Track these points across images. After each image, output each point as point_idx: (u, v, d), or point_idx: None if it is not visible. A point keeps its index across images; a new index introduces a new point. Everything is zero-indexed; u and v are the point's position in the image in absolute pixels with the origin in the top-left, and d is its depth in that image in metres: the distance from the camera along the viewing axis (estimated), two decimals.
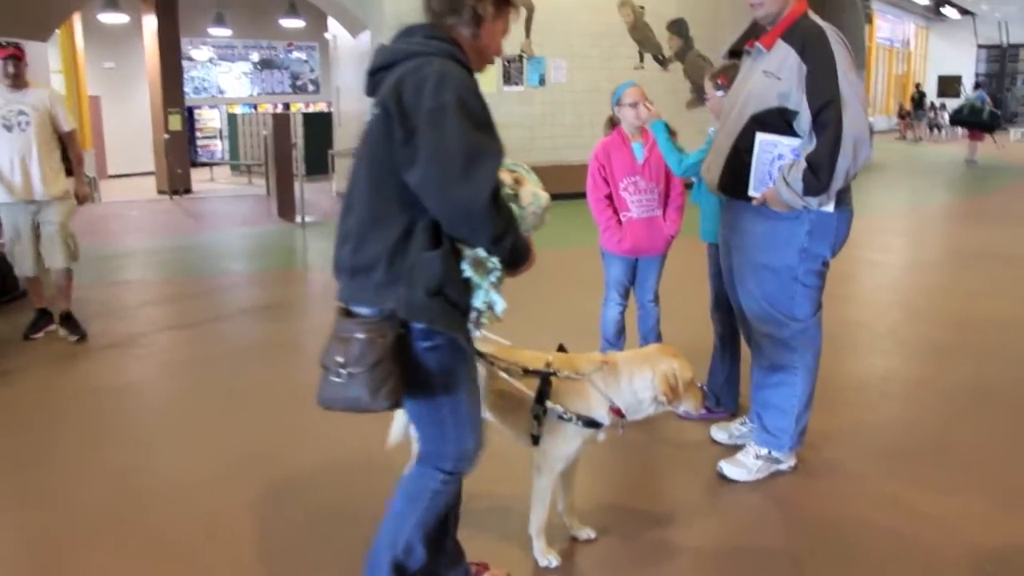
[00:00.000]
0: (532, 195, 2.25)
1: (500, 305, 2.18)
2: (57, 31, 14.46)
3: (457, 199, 1.99)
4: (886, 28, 30.48)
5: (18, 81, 5.46)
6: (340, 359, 2.09)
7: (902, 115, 28.59)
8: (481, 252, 2.11)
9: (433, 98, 1.98)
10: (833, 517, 3.19)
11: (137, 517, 3.29)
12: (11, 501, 3.48)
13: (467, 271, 2.12)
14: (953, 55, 33.48)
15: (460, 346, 2.18)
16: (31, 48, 13.11)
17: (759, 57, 3.20)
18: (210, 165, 21.71)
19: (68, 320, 5.78)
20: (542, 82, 12.01)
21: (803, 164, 2.98)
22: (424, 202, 2.03)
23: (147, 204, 14.79)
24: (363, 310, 2.15)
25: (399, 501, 2.34)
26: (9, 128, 5.42)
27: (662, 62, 13.47)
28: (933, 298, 6.91)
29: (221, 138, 23.21)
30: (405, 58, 2.10)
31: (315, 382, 2.17)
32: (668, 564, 2.90)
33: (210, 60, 23.69)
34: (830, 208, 3.11)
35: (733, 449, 3.63)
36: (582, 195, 4.28)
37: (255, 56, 24.50)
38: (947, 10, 31.11)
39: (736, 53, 13.98)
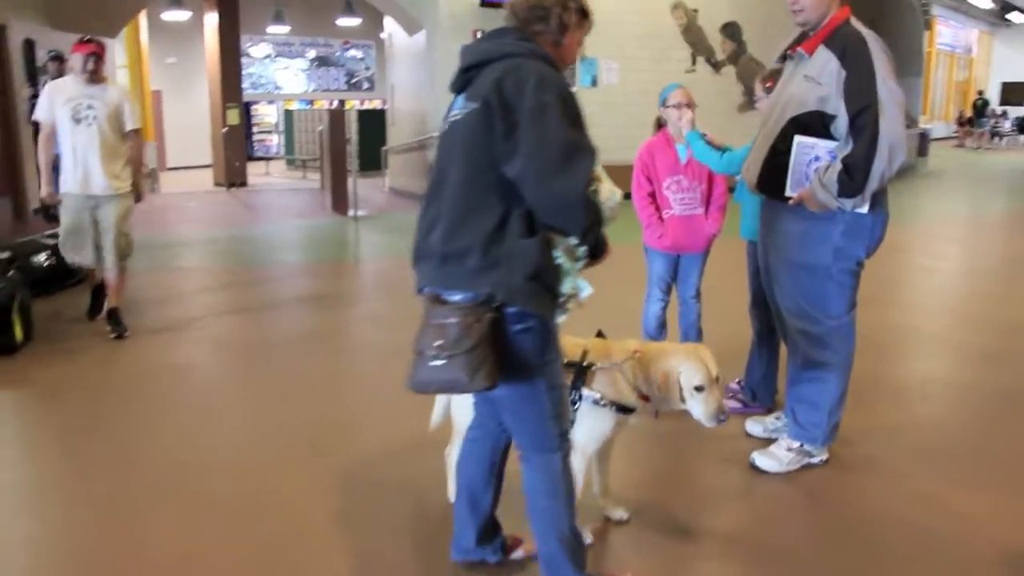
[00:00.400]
0: (609, 191, 2.39)
1: (586, 291, 2.36)
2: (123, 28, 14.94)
3: (555, 191, 2.14)
4: (947, 34, 29.97)
5: (95, 77, 5.51)
6: (439, 343, 2.19)
7: (961, 122, 28.11)
8: (571, 241, 2.27)
9: (535, 96, 2.14)
10: (863, 510, 3.28)
11: (199, 486, 3.50)
12: (79, 468, 3.71)
13: (560, 258, 2.27)
14: (1018, 61, 32.76)
15: (549, 328, 2.32)
16: None
17: (801, 62, 3.30)
18: (266, 159, 22.20)
19: (112, 316, 5.79)
20: (594, 83, 12.14)
21: (839, 166, 3.07)
22: (523, 192, 2.17)
23: (204, 195, 15.20)
24: (455, 296, 2.25)
25: (541, 500, 2.44)
26: (77, 121, 5.47)
27: (714, 65, 13.49)
28: (985, 305, 6.87)
29: (277, 133, 23.70)
30: (499, 57, 2.26)
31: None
32: (698, 545, 3.02)
33: (268, 57, 24.19)
34: (864, 209, 3.19)
35: (767, 442, 3.72)
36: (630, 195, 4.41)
37: (312, 53, 24.95)
38: (1013, 15, 30.47)
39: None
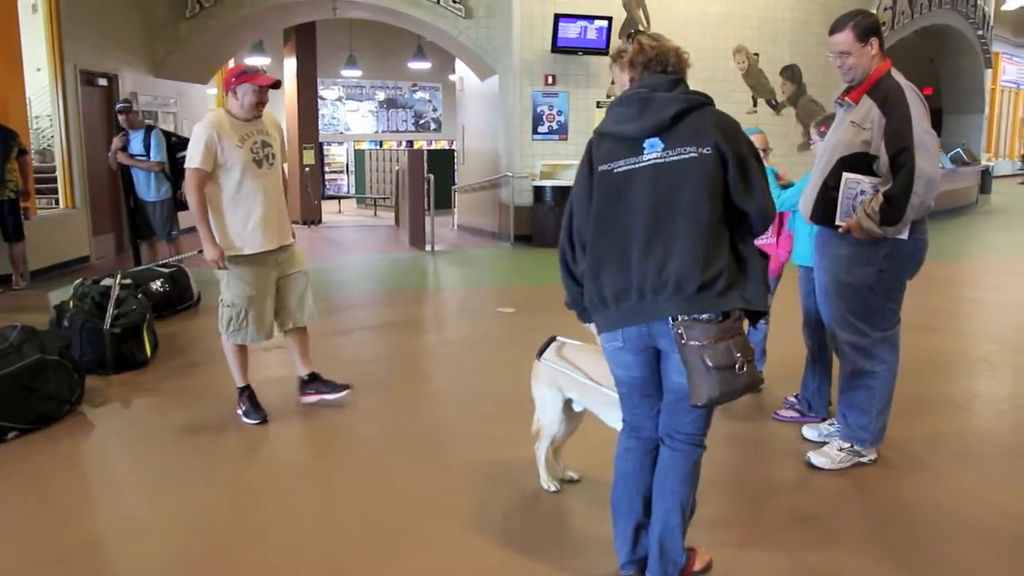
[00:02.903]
0: None
1: None
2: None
3: (770, 215, 2.68)
4: (1012, 71, 29.89)
5: (260, 110, 4.62)
6: (738, 355, 2.50)
7: None
8: None
9: (747, 142, 2.66)
10: (908, 501, 3.73)
11: (323, 477, 4.08)
12: (211, 461, 4.34)
13: None
14: None
15: None
16: (195, 90, 14.65)
17: (848, 109, 3.81)
18: (337, 198, 23.12)
19: (319, 379, 5.08)
20: None
21: (881, 198, 3.58)
22: (753, 219, 2.65)
23: None
24: (703, 316, 2.54)
25: (678, 483, 2.76)
26: (259, 163, 4.58)
27: (775, 106, 13.96)
28: None
29: (347, 172, 24.66)
30: (700, 106, 2.67)
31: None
32: (761, 526, 3.50)
33: (338, 99, 25.25)
34: (905, 236, 3.68)
35: (822, 444, 4.18)
36: None
37: (381, 95, 25.94)
38: None
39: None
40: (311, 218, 17.07)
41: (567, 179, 12.18)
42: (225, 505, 3.77)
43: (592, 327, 2.90)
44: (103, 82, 11.41)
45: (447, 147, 22.41)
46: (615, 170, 2.67)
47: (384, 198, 20.14)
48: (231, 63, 16.89)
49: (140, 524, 3.60)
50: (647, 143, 2.63)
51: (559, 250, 2.87)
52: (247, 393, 4.86)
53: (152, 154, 8.77)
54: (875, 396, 3.92)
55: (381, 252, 12.73)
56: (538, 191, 12.25)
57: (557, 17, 11.95)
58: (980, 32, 18.93)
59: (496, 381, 5.54)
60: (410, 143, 25.16)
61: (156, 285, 7.54)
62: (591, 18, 12.10)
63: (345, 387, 5.03)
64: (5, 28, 9.09)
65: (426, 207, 12.09)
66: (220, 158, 4.48)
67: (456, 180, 17.32)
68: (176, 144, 9.08)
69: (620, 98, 2.78)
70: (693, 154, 2.60)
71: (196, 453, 4.41)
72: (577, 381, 3.50)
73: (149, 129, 8.94)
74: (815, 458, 4.03)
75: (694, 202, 2.57)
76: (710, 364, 2.48)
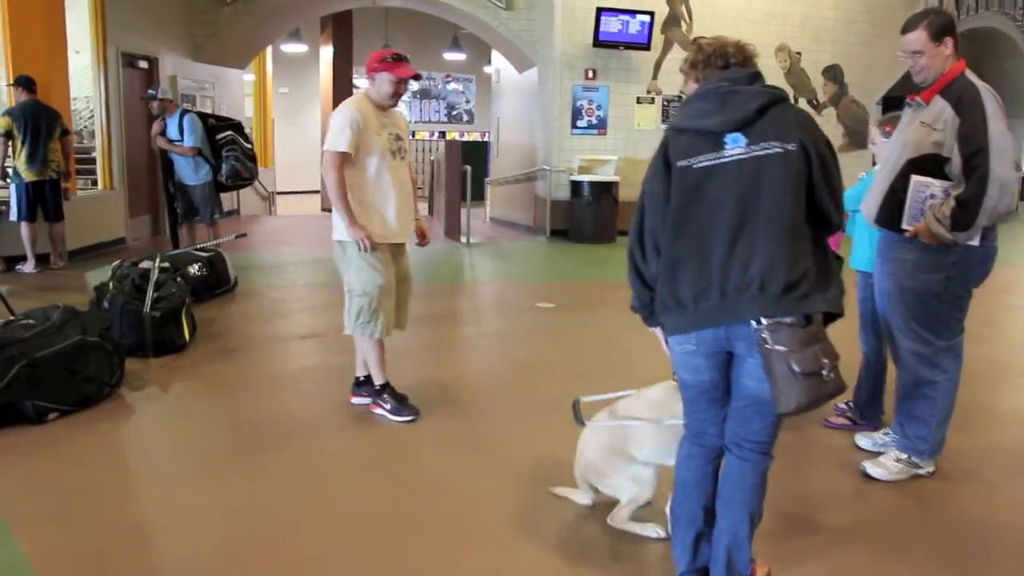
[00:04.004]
0: None
1: None
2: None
3: (843, 215, 2.64)
4: None
5: (396, 101, 4.50)
6: (826, 360, 2.43)
7: None
8: None
9: (825, 139, 2.59)
10: (965, 513, 3.62)
11: (362, 464, 4.03)
12: (252, 446, 4.29)
13: None
14: None
15: None
16: (232, 75, 14.68)
17: (918, 109, 3.69)
18: None
19: (390, 390, 4.72)
20: None
21: (952, 202, 3.45)
22: (831, 217, 2.58)
23: (320, 219, 16.02)
24: (787, 319, 2.46)
25: (747, 493, 2.68)
26: (393, 154, 4.46)
27: (816, 106, 13.76)
28: None
29: None
30: (780, 100, 2.58)
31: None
32: (818, 536, 3.40)
33: None
34: (975, 242, 3.56)
35: (876, 455, 4.07)
36: None
37: (414, 85, 25.90)
38: None
39: (891, 99, 14.09)
40: None
41: (605, 174, 12.08)
42: (267, 495, 3.72)
43: (657, 331, 2.81)
44: (144, 64, 11.44)
45: (479, 139, 22.33)
46: (695, 166, 2.56)
47: (418, 188, 20.10)
48: (268, 49, 16.92)
49: (182, 513, 3.56)
50: (728, 138, 2.54)
51: (628, 251, 2.75)
52: (388, 390, 4.65)
53: (185, 139, 8.73)
54: (936, 407, 3.80)
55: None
56: (576, 186, 12.12)
57: (599, 11, 11.84)
58: None
59: (540, 379, 5.47)
60: (442, 134, 25.13)
61: (194, 269, 7.52)
62: (633, 12, 11.97)
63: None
64: (50, 11, 9.10)
65: (462, 198, 12.02)
66: (362, 143, 4.32)
67: (489, 172, 17.25)
68: (215, 125, 9.08)
69: (698, 92, 2.69)
70: (779, 149, 2.51)
71: (236, 441, 4.37)
72: (644, 427, 3.27)
73: (184, 114, 8.91)
74: (871, 468, 3.92)
75: (780, 199, 2.49)
76: (798, 370, 2.39)
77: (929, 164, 3.56)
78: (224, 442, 4.36)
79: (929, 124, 3.57)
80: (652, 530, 3.32)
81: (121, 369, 4.96)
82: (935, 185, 3.55)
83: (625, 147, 12.53)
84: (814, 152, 2.52)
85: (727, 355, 2.63)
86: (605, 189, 11.98)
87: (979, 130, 3.43)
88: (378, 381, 4.66)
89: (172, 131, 8.79)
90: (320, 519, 3.48)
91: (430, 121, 26.18)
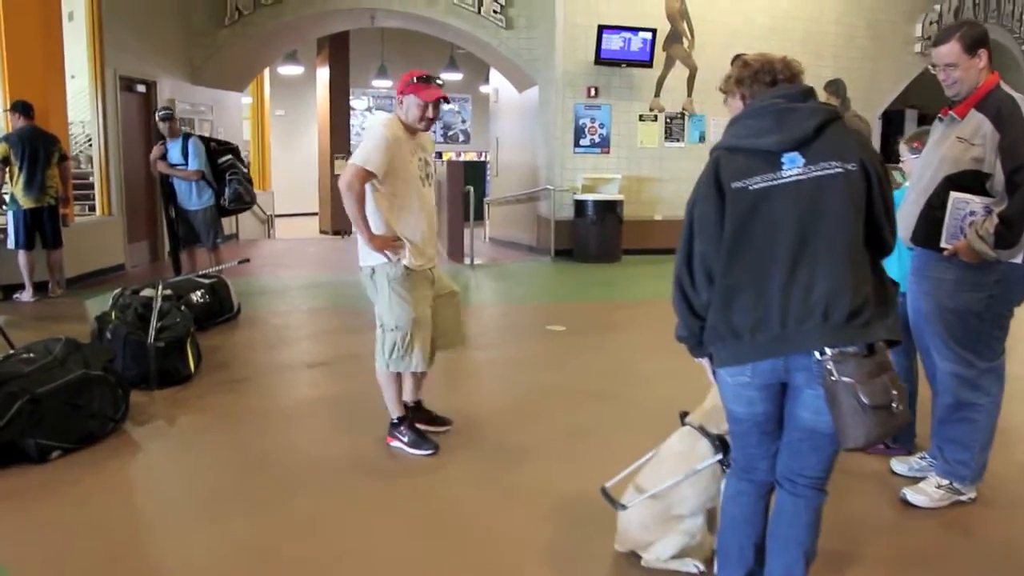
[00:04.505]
0: None
1: None
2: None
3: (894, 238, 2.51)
4: None
5: (427, 125, 4.28)
6: (895, 392, 2.31)
7: None
8: None
9: (880, 158, 2.45)
10: (1011, 539, 3.49)
11: (376, 492, 3.87)
12: (265, 483, 4.12)
13: None
14: None
15: None
16: (231, 98, 14.59)
17: (952, 124, 3.56)
18: None
19: (425, 411, 4.78)
20: (702, 139, 12.48)
21: (995, 219, 3.32)
22: (887, 240, 2.47)
23: (320, 242, 15.92)
24: (850, 348, 2.34)
25: (802, 531, 2.56)
26: (423, 181, 4.30)
27: None
28: None
29: None
30: (836, 118, 2.46)
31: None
32: (862, 567, 3.25)
33: (368, 108, 25.16)
34: (1018, 259, 3.42)
35: (913, 480, 3.92)
36: None
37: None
38: None
39: (891, 114, 14.04)
40: (345, 228, 16.93)
41: (609, 193, 11.97)
42: (281, 536, 3.55)
43: (705, 361, 2.66)
44: (142, 88, 11.32)
45: (476, 159, 22.24)
46: (751, 187, 2.42)
47: None
48: (266, 71, 16.84)
49: (191, 556, 3.38)
50: (786, 157, 2.41)
51: (674, 278, 2.58)
52: (406, 423, 4.49)
53: (190, 163, 8.60)
54: (978, 430, 3.66)
55: None
56: (579, 205, 12.00)
57: (601, 28, 11.75)
58: None
59: (559, 405, 5.31)
60: (439, 155, 25.04)
61: (197, 296, 7.34)
62: (635, 30, 11.89)
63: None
64: (47, 35, 8.98)
65: (465, 219, 11.88)
66: (393, 169, 4.13)
67: (488, 192, 17.14)
68: (216, 149, 8.95)
69: (750, 110, 2.55)
70: (839, 169, 2.38)
71: (245, 477, 4.20)
72: (682, 484, 3.08)
73: (187, 137, 8.78)
74: (912, 496, 3.76)
75: (841, 222, 2.37)
76: (867, 402, 2.26)
77: (968, 180, 3.43)
78: (233, 479, 4.19)
79: (967, 139, 3.44)
80: (691, 564, 3.16)
81: (126, 403, 4.79)
82: (975, 202, 3.42)
83: (628, 165, 12.43)
84: (874, 172, 2.40)
85: (781, 386, 2.49)
86: (609, 208, 11.86)
87: (1021, 144, 3.30)
88: (395, 414, 4.51)
89: (174, 155, 8.65)
90: (336, 557, 3.33)
91: None
